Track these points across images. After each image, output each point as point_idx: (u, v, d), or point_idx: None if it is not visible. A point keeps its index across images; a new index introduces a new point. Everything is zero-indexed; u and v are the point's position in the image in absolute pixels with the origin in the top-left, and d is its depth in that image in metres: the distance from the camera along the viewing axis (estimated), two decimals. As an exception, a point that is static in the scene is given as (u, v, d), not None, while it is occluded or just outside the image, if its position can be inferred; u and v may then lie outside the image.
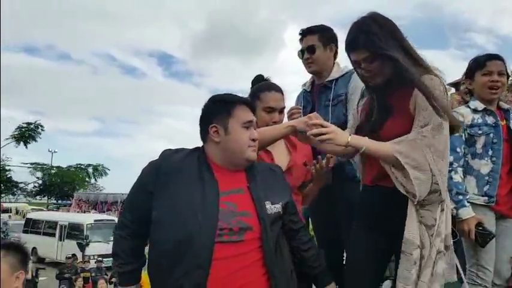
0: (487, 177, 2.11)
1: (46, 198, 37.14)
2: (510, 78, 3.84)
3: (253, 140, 1.51)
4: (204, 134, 1.54)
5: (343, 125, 2.13)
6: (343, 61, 2.35)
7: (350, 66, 2.26)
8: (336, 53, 2.36)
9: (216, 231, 1.34)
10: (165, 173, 1.46)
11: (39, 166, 35.21)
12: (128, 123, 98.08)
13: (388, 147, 1.53)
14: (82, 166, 35.71)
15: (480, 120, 2.16)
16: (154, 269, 1.44)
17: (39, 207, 28.55)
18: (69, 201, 32.25)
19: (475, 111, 2.19)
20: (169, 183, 1.43)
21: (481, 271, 2.06)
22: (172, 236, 1.37)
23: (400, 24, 1.60)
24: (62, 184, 34.74)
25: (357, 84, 2.15)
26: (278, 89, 1.96)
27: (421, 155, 1.48)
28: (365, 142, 1.56)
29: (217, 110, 1.52)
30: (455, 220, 2.03)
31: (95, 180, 36.42)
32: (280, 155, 1.91)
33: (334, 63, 2.37)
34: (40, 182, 35.47)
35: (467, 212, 2.04)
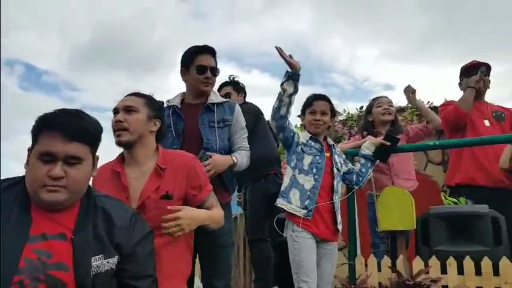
0: (308, 192, 2.33)
1: None
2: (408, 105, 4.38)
3: (53, 178, 1.16)
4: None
5: (226, 150, 2.22)
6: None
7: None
8: None
9: None
10: None
11: None
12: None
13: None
14: None
15: (312, 144, 2.45)
16: None
17: None
18: None
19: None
20: None
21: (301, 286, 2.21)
22: None
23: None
24: None
25: (240, 118, 2.32)
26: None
27: None
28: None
29: (32, 133, 1.22)
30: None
31: None
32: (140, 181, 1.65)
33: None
34: None
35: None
